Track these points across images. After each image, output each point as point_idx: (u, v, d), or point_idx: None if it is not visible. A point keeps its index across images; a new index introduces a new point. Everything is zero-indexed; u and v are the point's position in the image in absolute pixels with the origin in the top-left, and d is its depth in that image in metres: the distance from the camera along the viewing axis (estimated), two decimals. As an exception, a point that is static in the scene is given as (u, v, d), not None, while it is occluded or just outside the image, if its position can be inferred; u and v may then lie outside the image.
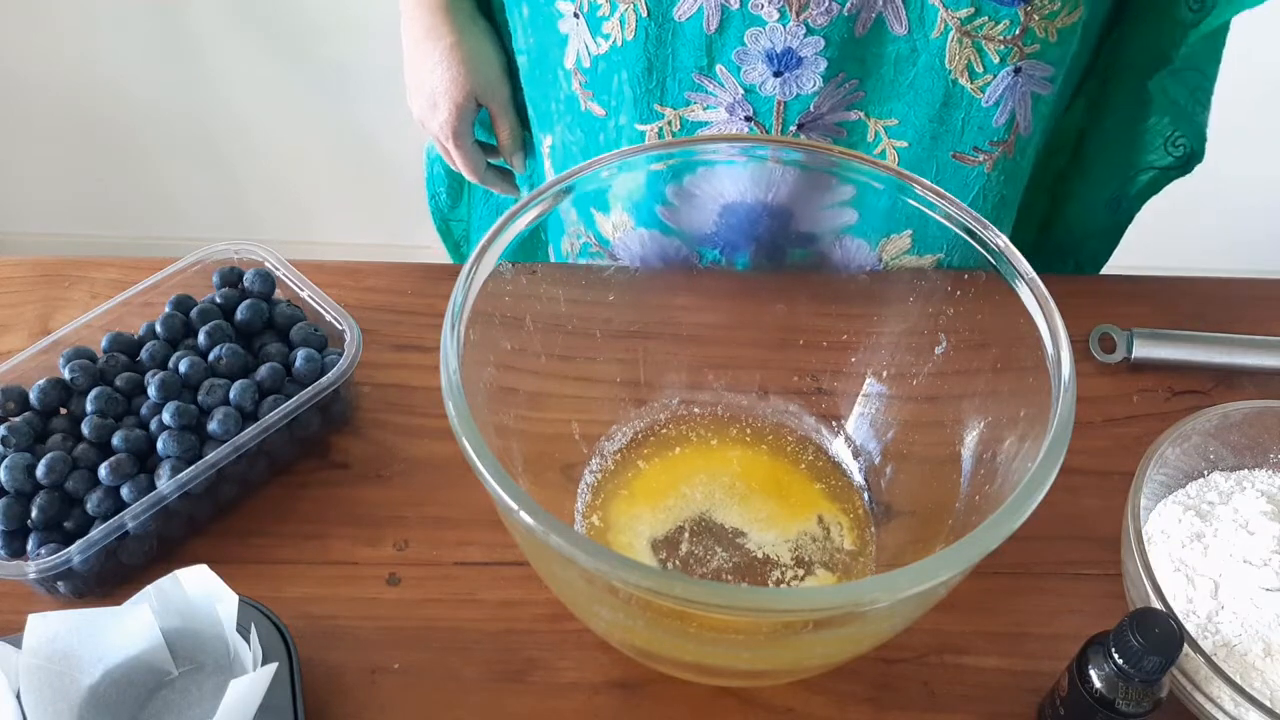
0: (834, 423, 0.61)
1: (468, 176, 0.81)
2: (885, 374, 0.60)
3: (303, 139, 1.67)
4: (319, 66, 1.57)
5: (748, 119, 0.63)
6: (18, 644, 0.47)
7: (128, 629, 0.49)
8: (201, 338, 0.61)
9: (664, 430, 0.62)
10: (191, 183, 1.75)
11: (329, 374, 0.59)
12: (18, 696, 0.46)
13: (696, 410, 0.63)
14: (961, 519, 0.51)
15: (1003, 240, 0.51)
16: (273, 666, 0.46)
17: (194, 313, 0.62)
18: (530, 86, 0.75)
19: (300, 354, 0.61)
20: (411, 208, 0.85)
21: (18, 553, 0.54)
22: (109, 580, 0.55)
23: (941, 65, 0.60)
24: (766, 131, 0.64)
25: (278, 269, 0.65)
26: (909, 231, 0.62)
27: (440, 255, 0.95)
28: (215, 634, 0.50)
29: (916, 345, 0.58)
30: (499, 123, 0.79)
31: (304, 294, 0.64)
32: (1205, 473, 0.58)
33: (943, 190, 0.53)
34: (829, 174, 0.57)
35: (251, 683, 0.44)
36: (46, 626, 0.47)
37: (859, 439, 0.60)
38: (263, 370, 0.59)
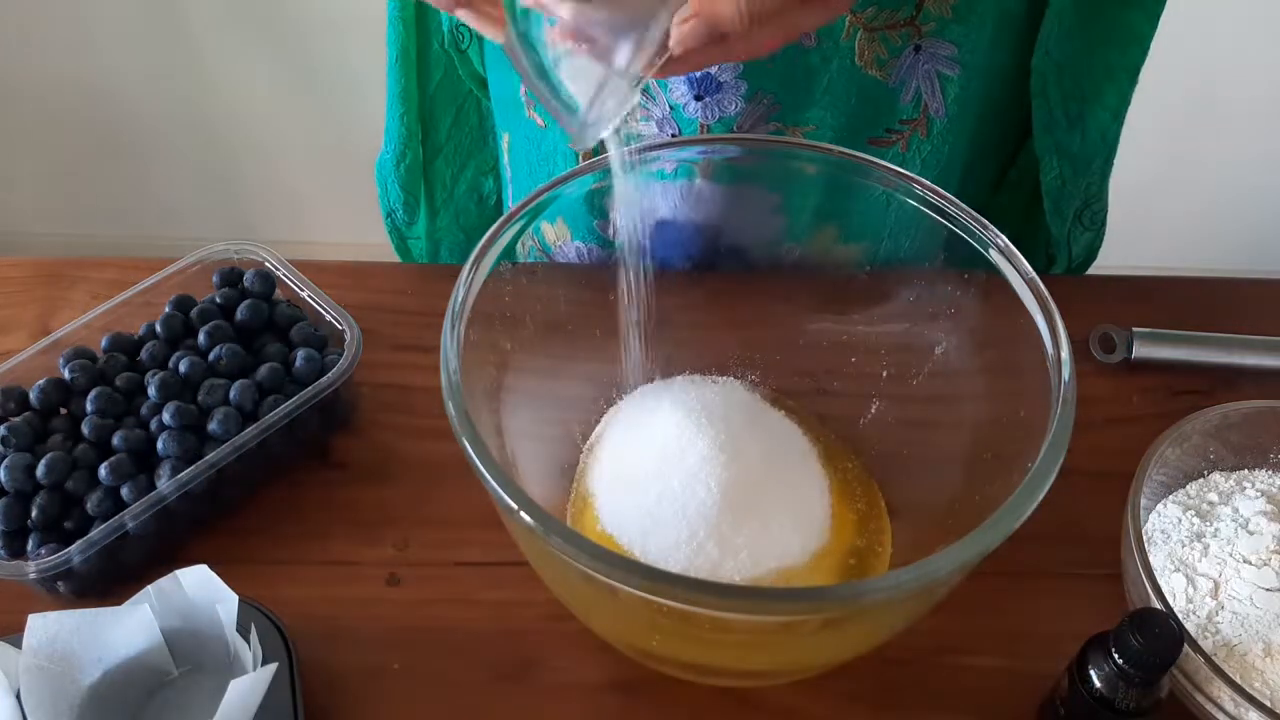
0: (834, 423, 0.61)
1: None
2: (885, 374, 0.59)
3: (302, 139, 1.67)
4: (319, 66, 1.57)
5: (674, 136, 0.64)
6: (18, 644, 0.47)
7: (128, 629, 0.49)
8: (201, 338, 0.61)
9: (664, 430, 0.62)
10: (191, 182, 1.75)
11: (329, 374, 0.59)
12: (18, 696, 0.46)
13: (696, 410, 0.63)
14: (961, 519, 0.51)
15: (1003, 240, 0.51)
16: (273, 666, 0.46)
17: (194, 313, 0.62)
18: (493, 71, 0.74)
19: (300, 354, 0.61)
20: (411, 208, 0.85)
21: (18, 553, 0.54)
22: (109, 580, 0.55)
23: (853, 65, 0.61)
24: None
25: (278, 269, 0.65)
26: (834, 223, 0.62)
27: (440, 254, 0.94)
28: (215, 634, 0.50)
29: (916, 345, 0.58)
30: None
31: (304, 294, 0.64)
32: (1205, 473, 0.58)
33: (942, 190, 0.53)
34: (805, 176, 0.57)
35: (251, 683, 0.44)
36: (46, 626, 0.47)
37: (859, 439, 0.60)
38: (263, 370, 0.59)
